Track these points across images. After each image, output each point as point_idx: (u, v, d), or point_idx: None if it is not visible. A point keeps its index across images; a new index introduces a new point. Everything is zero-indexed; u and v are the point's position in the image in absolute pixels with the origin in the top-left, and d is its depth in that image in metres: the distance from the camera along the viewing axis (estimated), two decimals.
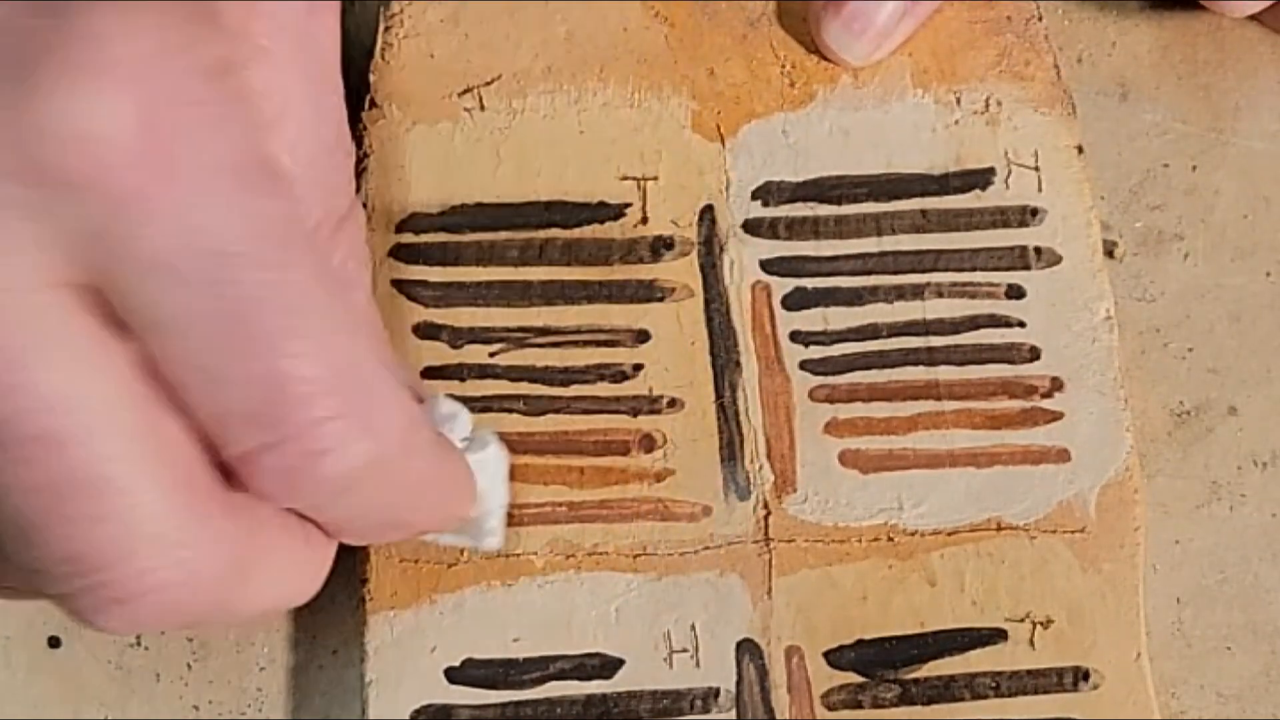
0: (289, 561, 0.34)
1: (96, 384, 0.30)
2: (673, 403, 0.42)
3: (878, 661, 0.40)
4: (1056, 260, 0.43)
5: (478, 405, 0.42)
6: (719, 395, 0.42)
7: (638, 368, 0.42)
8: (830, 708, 0.40)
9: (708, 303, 0.43)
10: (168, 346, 0.30)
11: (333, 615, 0.42)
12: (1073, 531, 0.41)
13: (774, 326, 0.43)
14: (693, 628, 0.41)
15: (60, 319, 0.30)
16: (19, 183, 0.29)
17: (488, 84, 0.44)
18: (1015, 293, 0.43)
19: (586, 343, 0.42)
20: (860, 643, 0.41)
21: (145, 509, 0.30)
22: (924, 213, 0.44)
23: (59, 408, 0.29)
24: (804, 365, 0.42)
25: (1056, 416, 0.42)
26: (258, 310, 0.30)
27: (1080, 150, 0.44)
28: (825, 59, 0.44)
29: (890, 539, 0.41)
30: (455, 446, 0.37)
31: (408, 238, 0.43)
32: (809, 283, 0.43)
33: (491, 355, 0.43)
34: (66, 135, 0.29)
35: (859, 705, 0.40)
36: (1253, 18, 0.46)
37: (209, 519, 0.31)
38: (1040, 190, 0.44)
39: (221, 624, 0.35)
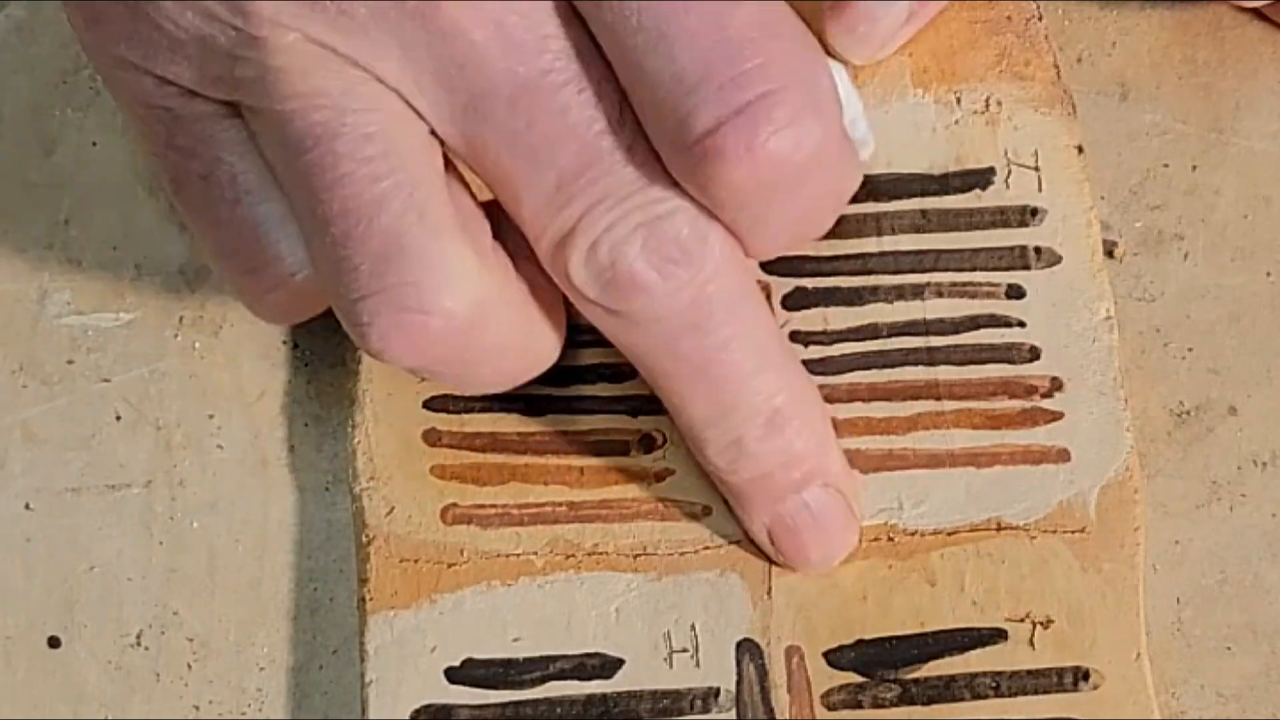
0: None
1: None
2: None
3: (878, 661, 0.40)
4: (1056, 260, 0.43)
5: (478, 405, 0.42)
6: None
7: None
8: (830, 708, 0.40)
9: None
10: (614, 10, 0.31)
11: (333, 615, 0.42)
12: (1073, 531, 0.41)
13: None
14: (693, 628, 0.41)
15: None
16: None
17: None
18: (1015, 293, 0.43)
19: (587, 342, 0.42)
20: (860, 643, 0.41)
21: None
22: (924, 212, 0.44)
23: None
24: (804, 365, 0.42)
25: (1056, 416, 0.42)
26: None
27: (1080, 150, 0.44)
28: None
29: (890, 539, 0.41)
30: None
31: None
32: (809, 282, 0.43)
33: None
34: None
35: (859, 705, 0.40)
36: (1257, 13, 0.46)
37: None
38: (1040, 190, 0.44)
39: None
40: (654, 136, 0.31)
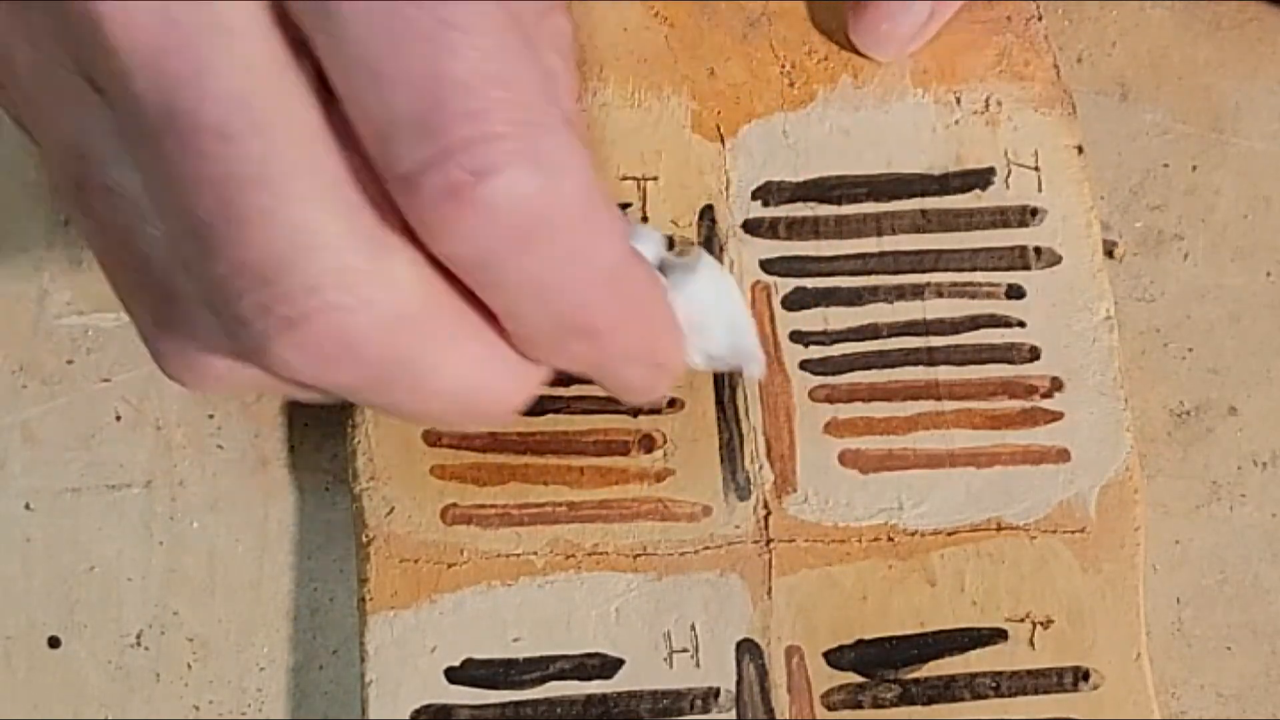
0: (480, 346, 0.31)
1: (276, 92, 0.29)
2: (673, 403, 0.42)
3: (878, 661, 0.40)
4: (1056, 260, 0.43)
5: None
6: (719, 395, 0.42)
7: None
8: (830, 708, 0.40)
9: None
10: (336, 40, 0.29)
11: (333, 615, 0.42)
12: (1073, 531, 0.41)
13: (774, 326, 0.43)
14: (693, 628, 0.41)
15: (248, 26, 0.29)
16: None
17: None
18: (1015, 293, 0.43)
19: None
20: (860, 643, 0.41)
21: (315, 217, 0.29)
22: (924, 213, 0.44)
23: (237, 103, 0.29)
24: (804, 365, 0.42)
25: (1056, 416, 0.42)
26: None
27: (1080, 150, 0.44)
28: (826, 58, 0.44)
29: (890, 539, 0.41)
30: (654, 272, 0.34)
31: None
32: (809, 283, 0.43)
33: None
34: None
35: (859, 705, 0.40)
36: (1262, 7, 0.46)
37: (384, 249, 0.30)
38: (1040, 190, 0.44)
39: (409, 403, 0.32)
40: (380, 176, 0.31)
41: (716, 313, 0.35)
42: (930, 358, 0.43)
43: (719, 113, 0.44)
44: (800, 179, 0.44)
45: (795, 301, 0.43)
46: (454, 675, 0.40)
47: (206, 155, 0.29)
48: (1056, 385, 0.42)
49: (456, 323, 0.31)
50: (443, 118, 0.29)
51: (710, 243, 0.43)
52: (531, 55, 0.30)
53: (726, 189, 0.44)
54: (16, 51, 0.31)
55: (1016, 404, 0.42)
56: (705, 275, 0.34)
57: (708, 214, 0.43)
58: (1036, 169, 0.44)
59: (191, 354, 0.32)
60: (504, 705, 0.40)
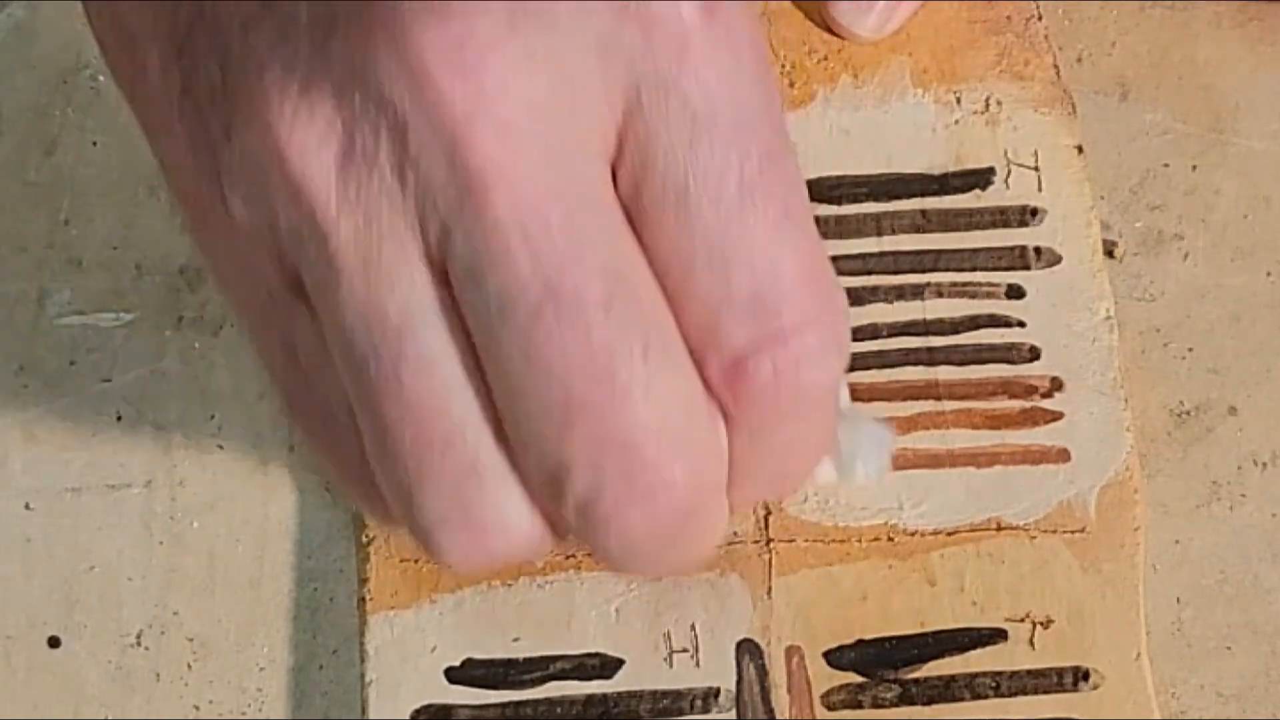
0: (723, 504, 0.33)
1: (638, 264, 0.30)
2: None
3: (878, 661, 0.40)
4: (1056, 260, 0.43)
5: None
6: None
7: None
8: (830, 708, 0.40)
9: None
10: (684, 222, 0.30)
11: (333, 615, 0.42)
12: (1073, 531, 0.41)
13: None
14: (693, 628, 0.41)
15: (607, 196, 0.30)
16: (600, 14, 0.29)
17: None
18: (1015, 293, 0.43)
19: None
20: (860, 643, 0.41)
21: (686, 388, 0.31)
22: (924, 212, 0.44)
23: (615, 275, 0.30)
24: None
25: (1056, 416, 0.42)
26: (767, 186, 0.30)
27: (1080, 150, 0.44)
28: (825, 59, 0.44)
29: (890, 539, 0.41)
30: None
31: None
32: None
33: None
34: None
35: (859, 705, 0.40)
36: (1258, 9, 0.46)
37: (715, 419, 0.31)
38: (1040, 190, 0.44)
39: (677, 559, 0.33)
40: (692, 346, 0.32)
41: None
42: (930, 358, 0.43)
43: None
44: None
45: None
46: (454, 675, 0.40)
47: (592, 328, 0.30)
48: (1056, 385, 0.42)
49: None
50: (777, 303, 0.31)
51: None
52: (822, 248, 0.32)
53: None
54: (344, 219, 0.30)
55: (1016, 404, 0.42)
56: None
57: None
58: (1036, 169, 0.44)
59: (479, 531, 0.32)
60: (504, 705, 0.40)
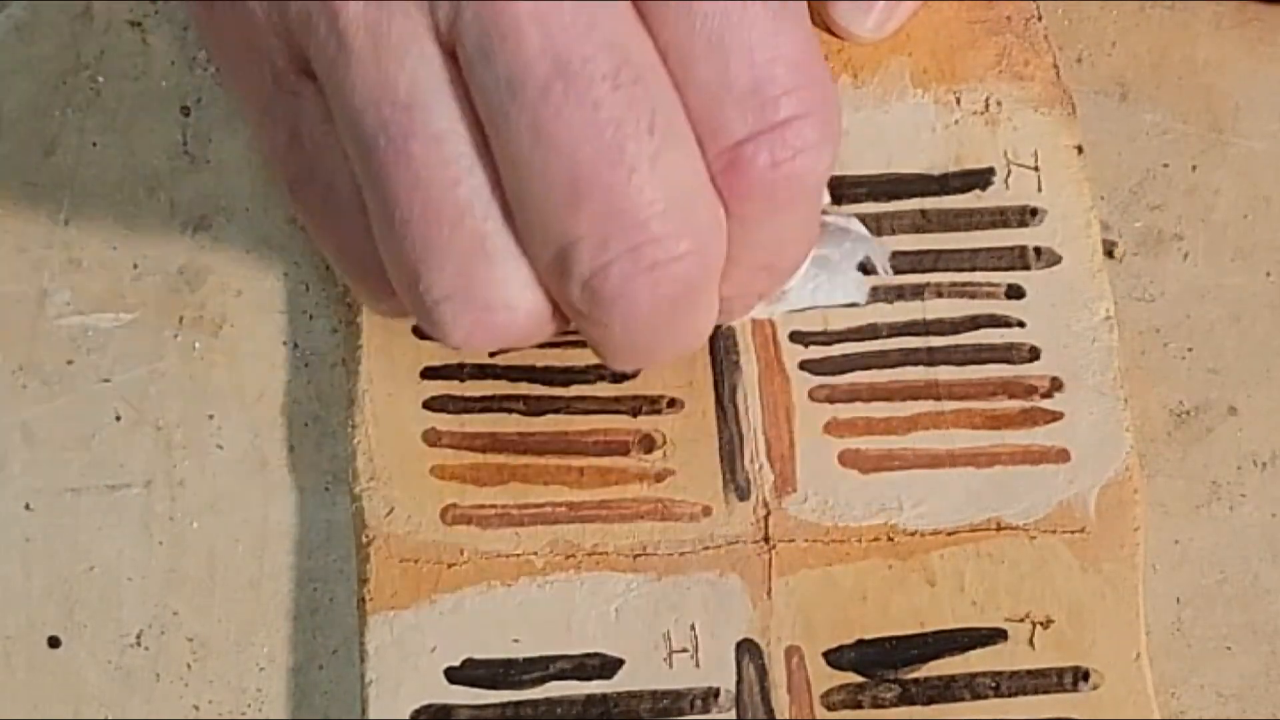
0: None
1: (647, 46, 0.31)
2: (672, 403, 0.42)
3: (878, 661, 0.40)
4: (1056, 260, 0.43)
5: (477, 405, 0.42)
6: (719, 395, 0.42)
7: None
8: (830, 708, 0.40)
9: None
10: (689, 5, 0.31)
11: (333, 615, 0.42)
12: (1073, 531, 0.41)
13: (774, 327, 0.43)
14: (693, 628, 0.41)
15: None
16: None
17: None
18: (1015, 293, 0.43)
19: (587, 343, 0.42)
20: (860, 643, 0.41)
21: (691, 165, 0.31)
22: (924, 213, 0.44)
23: (624, 52, 0.31)
24: (804, 365, 0.42)
25: (1056, 416, 0.42)
26: None
27: (1080, 150, 0.44)
28: (825, 58, 0.44)
29: (890, 539, 0.41)
30: None
31: None
32: None
33: (491, 355, 0.43)
34: None
35: (859, 705, 0.40)
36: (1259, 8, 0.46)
37: (716, 200, 0.32)
38: (1040, 190, 0.44)
39: (672, 344, 0.34)
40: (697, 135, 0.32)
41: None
42: (930, 358, 0.43)
43: None
44: None
45: None
46: (454, 675, 0.40)
47: (600, 104, 0.30)
48: (1056, 385, 0.42)
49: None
50: (775, 93, 0.31)
51: None
52: (817, 41, 0.33)
53: None
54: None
55: (1016, 404, 0.42)
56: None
57: None
58: (1036, 169, 0.44)
59: (484, 308, 0.33)
60: (504, 705, 0.40)
